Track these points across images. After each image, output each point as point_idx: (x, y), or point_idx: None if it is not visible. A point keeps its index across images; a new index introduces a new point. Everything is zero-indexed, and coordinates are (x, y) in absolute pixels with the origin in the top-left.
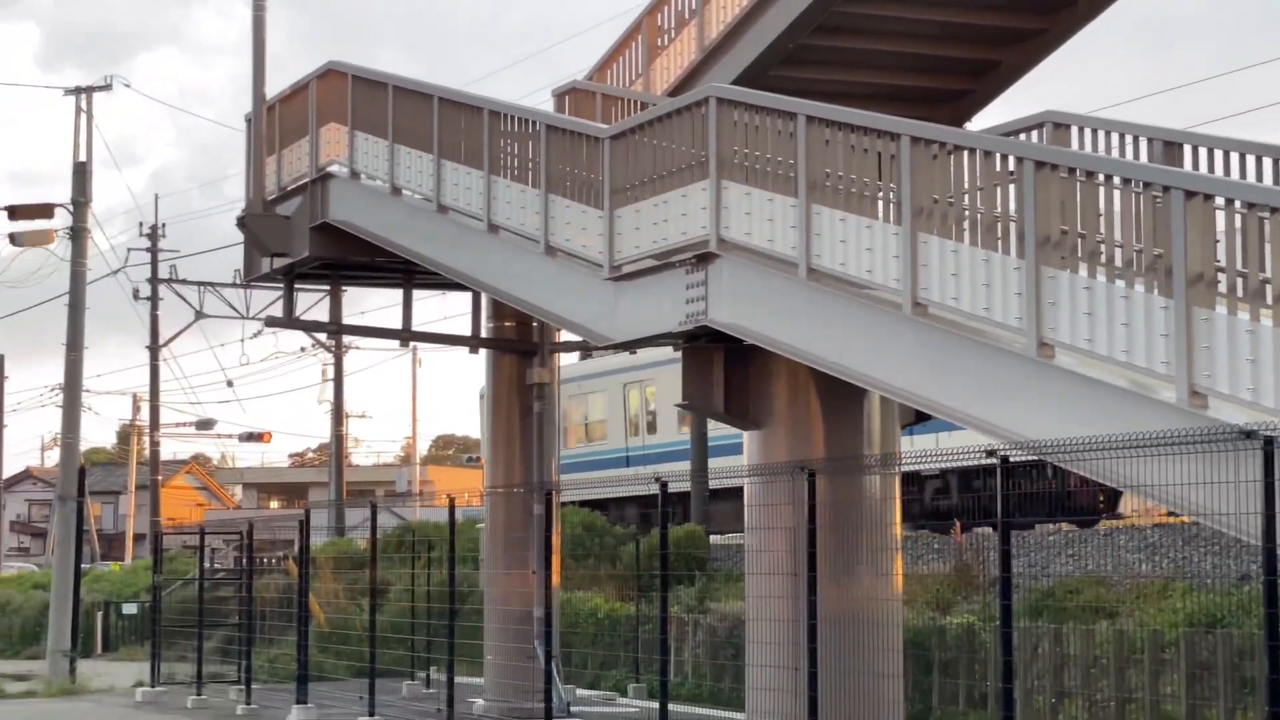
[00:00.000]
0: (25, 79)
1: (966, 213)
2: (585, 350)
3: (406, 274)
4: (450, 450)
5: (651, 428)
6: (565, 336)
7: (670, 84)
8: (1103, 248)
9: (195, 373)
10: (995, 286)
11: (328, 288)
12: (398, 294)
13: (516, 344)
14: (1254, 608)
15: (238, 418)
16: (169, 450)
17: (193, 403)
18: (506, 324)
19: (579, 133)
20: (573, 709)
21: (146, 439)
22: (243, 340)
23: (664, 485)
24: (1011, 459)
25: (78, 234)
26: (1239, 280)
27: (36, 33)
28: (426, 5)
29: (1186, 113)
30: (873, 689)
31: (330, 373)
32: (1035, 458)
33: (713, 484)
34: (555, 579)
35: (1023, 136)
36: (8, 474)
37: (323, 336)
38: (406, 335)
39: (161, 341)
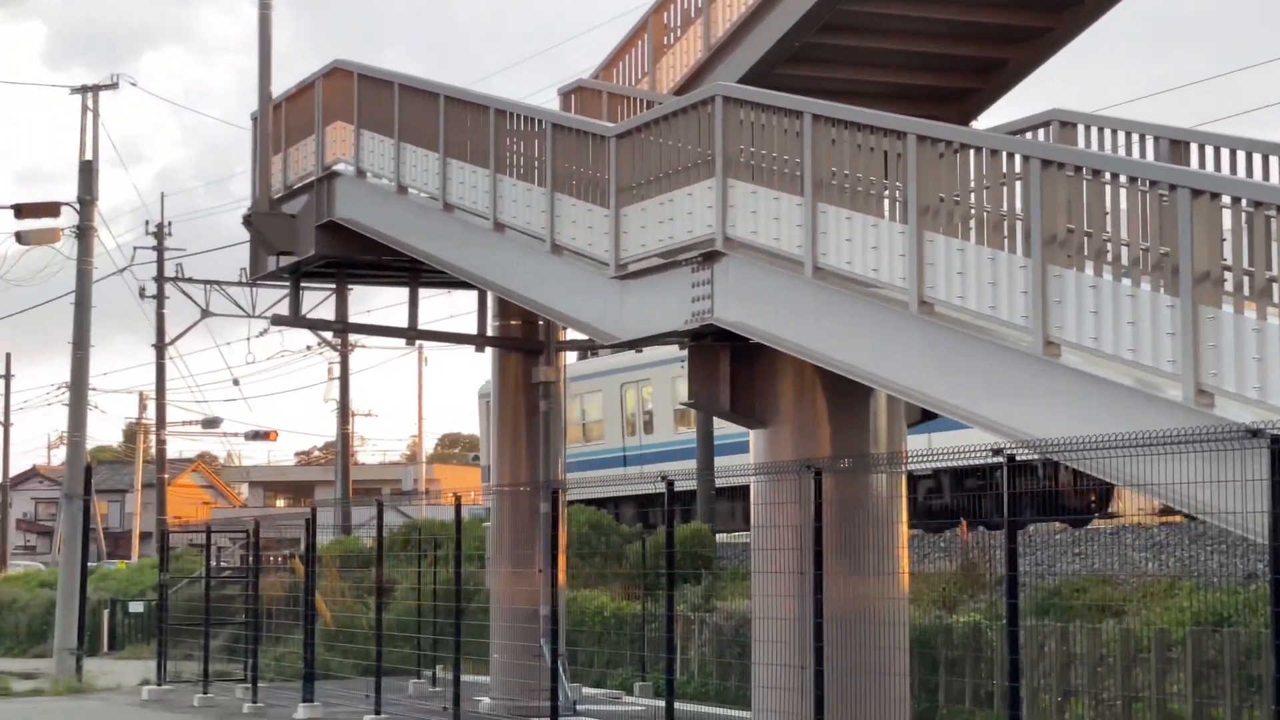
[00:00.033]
0: (32, 77)
1: (973, 211)
2: (581, 350)
3: (412, 272)
4: (456, 449)
5: (648, 427)
6: (571, 335)
7: (676, 82)
8: (1109, 246)
9: (201, 371)
10: (1001, 285)
11: (334, 286)
12: (403, 292)
13: (522, 342)
14: (1260, 606)
15: (244, 416)
16: (175, 448)
17: (199, 401)
18: (512, 322)
19: (585, 131)
20: (579, 707)
21: (153, 437)
22: (249, 339)
23: (670, 484)
24: (1017, 458)
25: (84, 232)
26: (1245, 279)
27: (43, 31)
28: (432, 4)
29: (1192, 111)
30: (879, 687)
31: (336, 371)
32: (1033, 458)
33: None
34: (561, 577)
35: (1029, 135)
36: (14, 472)
37: (329, 335)
38: (412, 334)
39: (167, 340)
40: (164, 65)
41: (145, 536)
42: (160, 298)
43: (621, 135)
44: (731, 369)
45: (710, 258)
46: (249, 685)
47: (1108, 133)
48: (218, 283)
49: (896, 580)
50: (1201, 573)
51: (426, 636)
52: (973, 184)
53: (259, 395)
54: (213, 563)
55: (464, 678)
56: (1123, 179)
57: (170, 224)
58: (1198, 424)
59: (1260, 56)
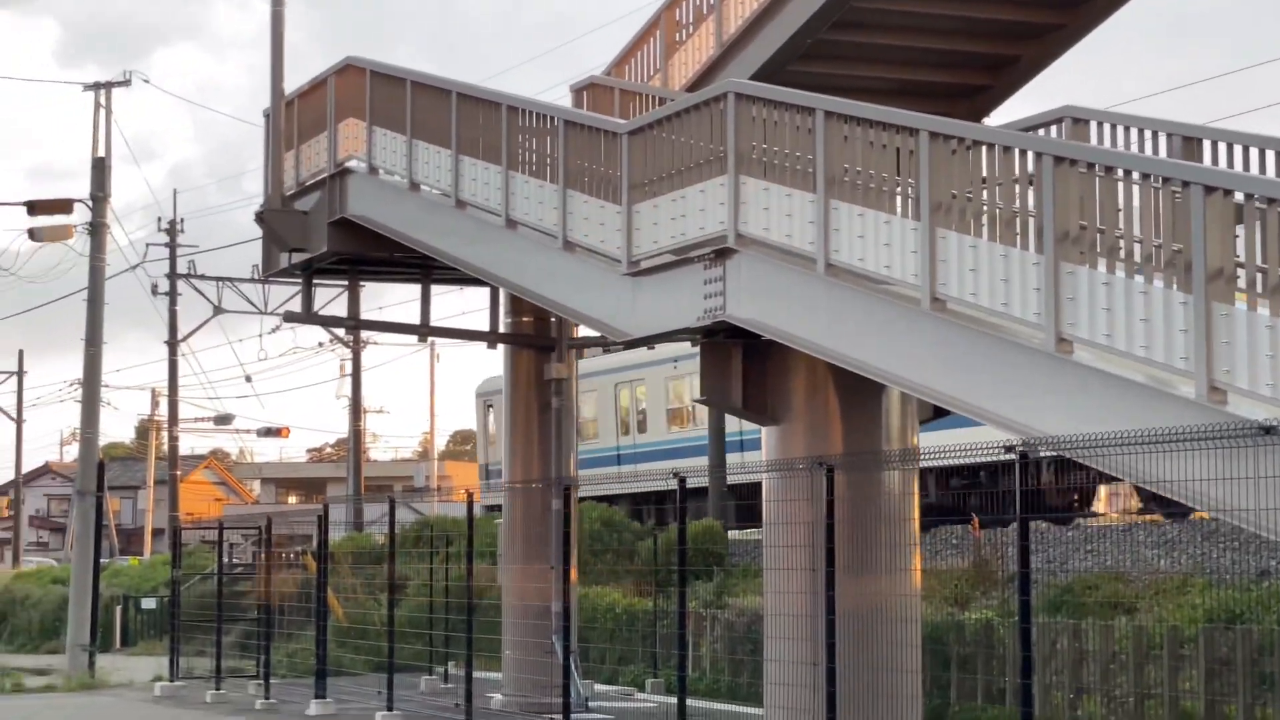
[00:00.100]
0: (44, 74)
1: (985, 208)
2: (593, 348)
3: (425, 269)
4: (468, 446)
5: (642, 426)
6: (583, 332)
7: (688, 79)
8: (1122, 243)
9: (214, 368)
10: (1014, 282)
11: (346, 283)
12: (416, 289)
13: (534, 339)
14: (1273, 603)
15: (256, 413)
16: (187, 445)
17: (211, 398)
18: (524, 319)
19: (597, 128)
20: (591, 704)
21: (165, 434)
22: (261, 335)
23: (683, 481)
24: (1028, 456)
25: (96, 229)
26: (1258, 275)
27: (56, 28)
28: (444, 1)
29: (1205, 108)
30: (891, 684)
31: (348, 368)
32: (1014, 458)
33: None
34: (573, 574)
35: (1041, 132)
36: (27, 469)
37: (341, 332)
38: (424, 330)
39: (180, 337)
40: (176, 62)
41: (157, 533)
42: (173, 294)
43: (634, 132)
44: (744, 366)
45: (722, 254)
46: (261, 681)
47: (1120, 129)
48: (230, 279)
49: (908, 577)
50: (1214, 570)
51: (438, 633)
52: (985, 181)
53: (271, 392)
54: (225, 559)
55: (476, 674)
56: (1135, 176)
57: (183, 220)
58: (1210, 421)
59: (1275, 52)
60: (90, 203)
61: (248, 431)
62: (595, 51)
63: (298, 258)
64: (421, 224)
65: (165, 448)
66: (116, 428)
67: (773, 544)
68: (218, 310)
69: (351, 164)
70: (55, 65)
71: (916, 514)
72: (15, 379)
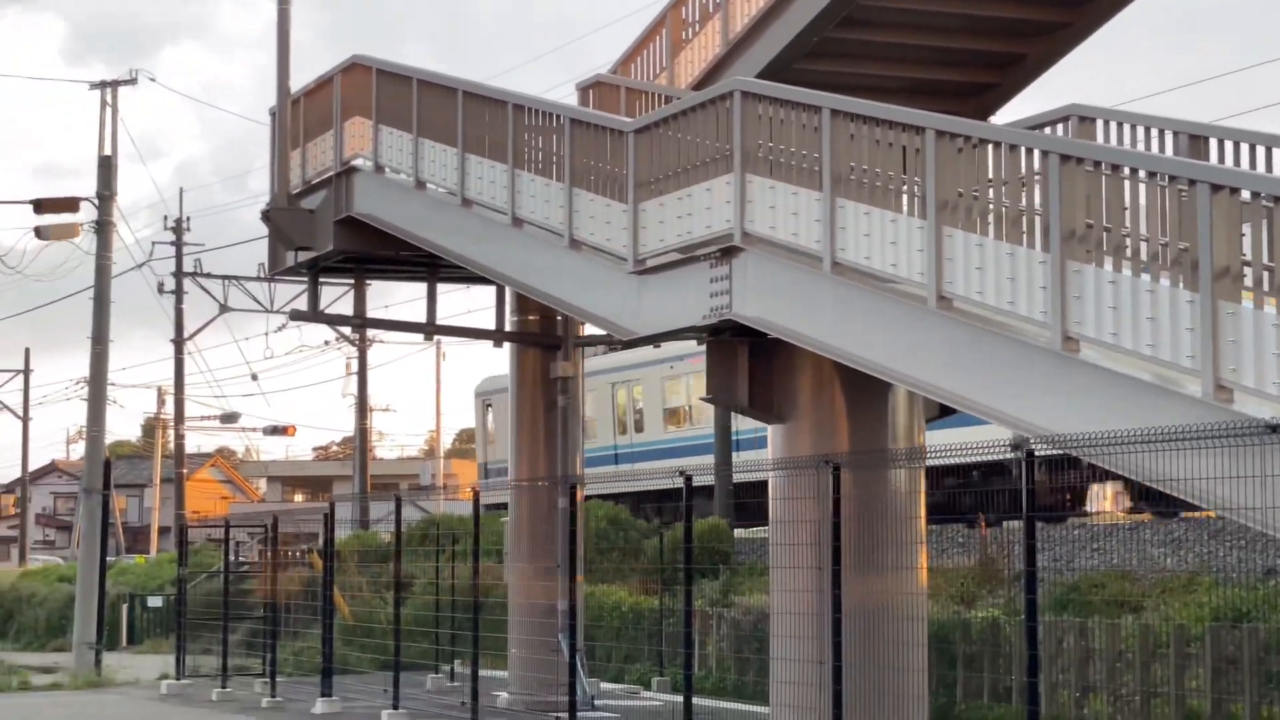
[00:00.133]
0: (50, 72)
1: (991, 206)
2: (599, 346)
3: (431, 268)
4: (474, 444)
5: (638, 426)
6: (589, 330)
7: (694, 78)
8: (1128, 241)
9: (220, 366)
10: (1020, 280)
11: (352, 281)
12: (422, 288)
13: (541, 338)
14: (1279, 602)
15: (262, 411)
16: (193, 443)
17: (217, 396)
18: (531, 318)
19: (603, 126)
20: (597, 702)
21: (171, 432)
22: (267, 334)
23: (689, 479)
24: (1037, 454)
25: (103, 227)
26: (1265, 274)
27: (61, 26)
28: (450, 1)
29: (1214, 105)
30: (897, 683)
31: (354, 366)
32: (1003, 458)
33: (706, 482)
34: (579, 573)
35: (1048, 130)
36: (33, 467)
37: (347, 330)
38: (430, 329)
39: (186, 335)
40: (182, 60)
41: (164, 531)
42: (179, 293)
43: (640, 130)
44: (750, 364)
45: (728, 253)
46: (267, 680)
47: (1126, 127)
48: (236, 278)
49: (915, 575)
50: (1220, 568)
51: (445, 631)
52: (991, 179)
53: (277, 390)
54: (231, 557)
55: (482, 673)
56: (1142, 174)
57: (189, 219)
58: (1217, 419)
59: None
60: (96, 201)
61: (254, 430)
62: (600, 50)
63: (304, 256)
64: (428, 222)
65: (171, 446)
66: (123, 426)
67: (779, 542)
68: (224, 308)
69: (357, 162)
70: (61, 63)
71: (923, 512)
72: (21, 377)
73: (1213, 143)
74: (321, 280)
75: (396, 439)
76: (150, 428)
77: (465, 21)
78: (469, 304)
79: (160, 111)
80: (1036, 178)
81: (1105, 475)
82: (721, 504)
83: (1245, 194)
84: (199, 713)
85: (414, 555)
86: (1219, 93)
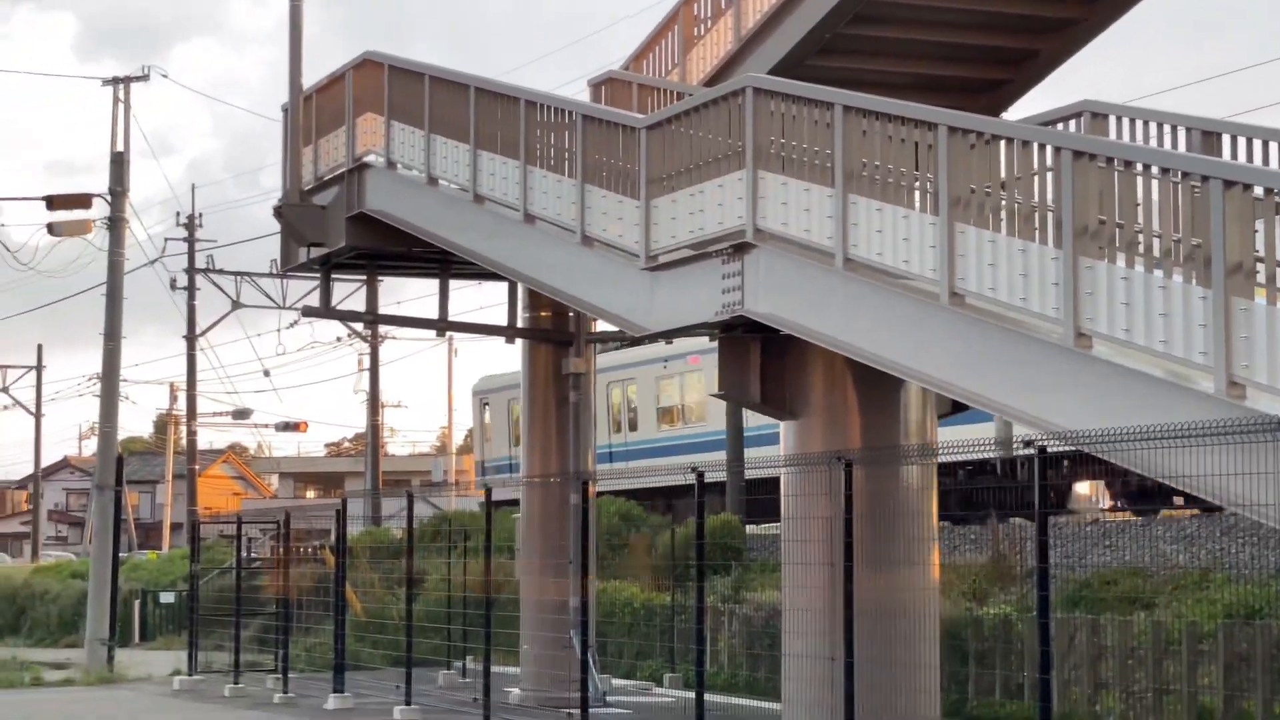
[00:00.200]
0: (63, 69)
1: (1004, 203)
2: (596, 344)
3: (443, 264)
4: None
5: (633, 425)
6: (601, 326)
7: (706, 74)
8: (1141, 237)
9: (232, 362)
10: (1033, 277)
11: (364, 278)
12: (434, 284)
13: (552, 334)
14: None
15: (274, 407)
16: (206, 440)
17: (229, 392)
18: (543, 314)
19: (615, 123)
20: (608, 698)
21: (183, 428)
22: (279, 330)
23: (700, 475)
24: (1049, 450)
25: (115, 224)
26: (1278, 270)
27: (74, 22)
28: None
29: (1225, 102)
30: (909, 679)
31: (366, 362)
32: (997, 456)
33: (711, 478)
34: (591, 569)
35: (1060, 126)
36: (46, 463)
37: (359, 326)
38: (442, 325)
39: (198, 331)
40: (195, 57)
41: (176, 527)
42: (191, 289)
43: (652, 127)
44: (762, 360)
45: (741, 249)
46: (280, 676)
47: (1139, 124)
48: (248, 274)
49: (927, 572)
50: (1233, 565)
51: (456, 627)
52: (1004, 175)
53: (289, 386)
54: (243, 553)
55: (494, 669)
56: (1154, 170)
57: (201, 215)
58: (1229, 416)
59: None
60: (109, 197)
61: (266, 426)
62: (612, 47)
63: (316, 252)
64: (439, 219)
65: (184, 442)
66: (135, 422)
67: (791, 539)
68: (236, 305)
69: (369, 159)
70: (74, 60)
71: (935, 509)
72: (34, 373)
73: (1226, 139)
74: (334, 276)
75: (408, 435)
76: (162, 424)
77: (477, 18)
78: (481, 300)
79: (172, 108)
80: (1049, 174)
81: (1102, 472)
82: (734, 500)
83: (1258, 190)
84: (211, 709)
85: (426, 551)
86: (1235, 88)
